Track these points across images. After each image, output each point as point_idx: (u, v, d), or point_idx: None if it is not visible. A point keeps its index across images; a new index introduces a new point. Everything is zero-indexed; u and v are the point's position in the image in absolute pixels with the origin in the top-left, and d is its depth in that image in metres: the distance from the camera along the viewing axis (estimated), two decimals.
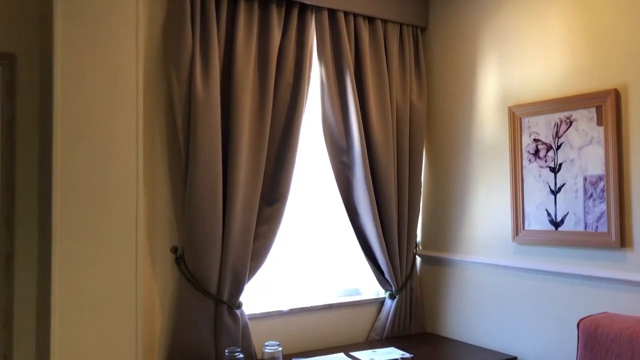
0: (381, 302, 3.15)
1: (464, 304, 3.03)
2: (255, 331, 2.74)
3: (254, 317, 2.75)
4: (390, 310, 3.08)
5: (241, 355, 2.52)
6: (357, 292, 3.19)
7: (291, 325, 2.86)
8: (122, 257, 2.12)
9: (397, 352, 2.78)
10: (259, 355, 2.71)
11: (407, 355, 2.74)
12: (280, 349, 2.62)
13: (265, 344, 2.62)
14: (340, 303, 3.02)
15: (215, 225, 2.51)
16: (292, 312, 2.86)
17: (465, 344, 2.97)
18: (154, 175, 2.52)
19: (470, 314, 3.00)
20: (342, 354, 2.76)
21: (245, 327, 2.66)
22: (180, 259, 2.54)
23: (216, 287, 2.56)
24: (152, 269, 2.51)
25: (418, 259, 3.29)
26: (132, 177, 2.16)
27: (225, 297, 2.57)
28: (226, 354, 2.50)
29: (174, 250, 2.55)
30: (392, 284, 3.07)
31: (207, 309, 2.55)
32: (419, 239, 3.29)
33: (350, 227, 3.02)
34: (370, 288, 3.19)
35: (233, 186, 2.55)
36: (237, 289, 2.61)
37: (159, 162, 2.54)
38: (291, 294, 2.93)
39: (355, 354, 2.77)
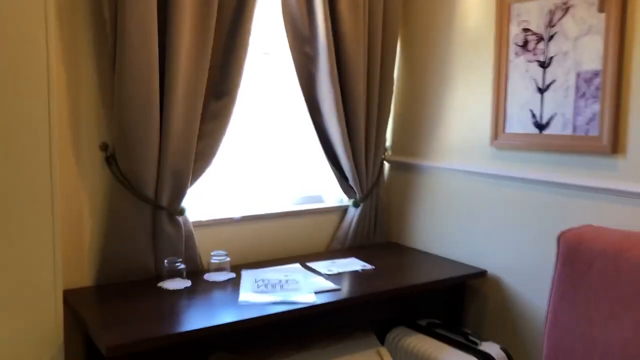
0: (344, 210, 2.89)
1: (434, 213, 2.79)
2: (202, 241, 2.47)
3: (200, 225, 2.47)
4: (353, 219, 2.83)
5: (182, 266, 2.26)
6: (319, 200, 2.91)
7: (243, 235, 2.59)
8: (31, 147, 1.77)
9: (358, 263, 2.55)
10: (205, 267, 2.45)
11: (368, 266, 2.51)
12: (227, 259, 2.36)
13: (212, 253, 2.35)
14: (299, 211, 2.75)
15: (149, 120, 2.15)
16: (245, 220, 2.58)
17: (432, 255, 2.76)
18: (76, 57, 2.12)
19: (439, 225, 2.76)
20: (297, 265, 2.52)
21: (189, 236, 2.38)
22: (111, 158, 2.20)
23: (153, 191, 2.24)
24: (78, 169, 2.17)
25: (386, 165, 3.00)
26: (41, 50, 1.77)
27: (164, 202, 2.26)
28: (165, 264, 2.23)
29: (104, 147, 2.21)
30: (356, 192, 2.80)
31: (143, 215, 2.24)
32: (388, 143, 2.98)
33: (312, 128, 2.68)
34: (332, 196, 2.91)
35: (172, 75, 2.17)
36: (179, 193, 2.30)
37: (82, 43, 2.13)
38: (244, 201, 2.63)
39: (312, 264, 2.53)
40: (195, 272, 2.38)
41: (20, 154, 1.75)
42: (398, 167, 2.98)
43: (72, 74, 2.12)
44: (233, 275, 2.36)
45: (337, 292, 2.19)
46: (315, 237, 2.82)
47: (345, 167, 2.74)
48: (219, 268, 2.35)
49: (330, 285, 2.25)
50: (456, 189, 2.67)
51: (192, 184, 2.35)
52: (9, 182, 1.74)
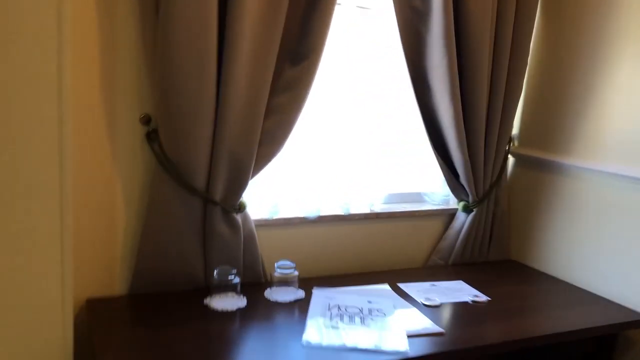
0: (451, 215, 2.25)
1: (573, 229, 2.09)
2: (265, 245, 1.95)
3: (264, 225, 1.94)
4: (463, 228, 2.19)
5: (237, 280, 1.74)
6: (418, 200, 2.29)
7: (317, 240, 2.04)
8: (34, 119, 1.29)
9: (466, 291, 1.92)
10: (268, 278, 1.93)
11: (481, 296, 1.88)
12: (296, 273, 1.82)
13: (276, 264, 1.82)
14: (391, 213, 2.15)
15: (202, 89, 1.64)
16: (321, 221, 2.02)
17: (568, 284, 2.07)
18: (109, 2, 1.64)
19: (580, 245, 2.06)
20: (385, 286, 1.93)
21: (250, 239, 1.86)
22: (153, 134, 1.71)
23: (205, 180, 1.73)
24: (111, 148, 1.70)
25: (510, 160, 2.31)
26: None
27: (218, 195, 1.75)
28: (215, 275, 1.72)
29: (146, 120, 1.72)
30: (469, 192, 2.15)
31: (191, 210, 1.75)
32: (515, 131, 2.29)
33: (416, 106, 2.06)
34: (437, 196, 2.28)
35: (233, 32, 1.63)
36: (237, 184, 1.77)
37: None
38: (320, 198, 2.06)
39: (405, 286, 1.94)
40: (255, 285, 1.87)
41: (20, 129, 1.28)
42: (526, 163, 2.29)
43: (105, 23, 1.63)
44: (301, 294, 1.82)
45: (440, 339, 1.58)
46: (411, 248, 2.22)
47: (457, 159, 2.09)
48: (285, 283, 1.81)
49: (429, 325, 1.65)
50: (612, 201, 1.95)
51: (255, 173, 1.81)
52: (7, 166, 1.28)
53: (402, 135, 2.18)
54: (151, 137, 1.71)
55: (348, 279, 1.99)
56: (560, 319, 1.76)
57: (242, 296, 1.76)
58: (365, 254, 2.13)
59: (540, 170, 2.22)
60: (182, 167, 1.70)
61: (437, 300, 1.82)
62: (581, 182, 2.06)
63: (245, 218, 1.84)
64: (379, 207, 2.16)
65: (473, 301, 1.85)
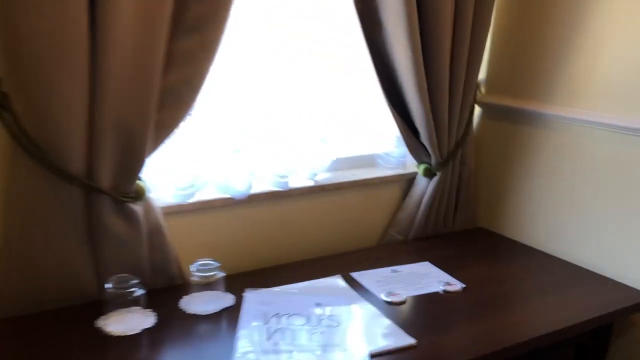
0: (409, 180, 1.87)
1: (554, 190, 1.75)
2: (181, 237, 1.50)
3: (178, 213, 1.50)
4: (424, 195, 1.81)
5: (140, 291, 1.30)
6: (370, 163, 1.89)
7: (248, 225, 1.62)
8: None
9: (435, 275, 1.57)
10: (185, 280, 1.50)
11: (454, 282, 1.52)
12: (220, 274, 1.40)
13: (191, 267, 1.39)
14: (339, 183, 1.74)
15: (68, 24, 1.14)
16: (251, 200, 1.59)
17: (552, 257, 1.74)
18: None
19: (564, 209, 1.73)
20: (337, 278, 1.54)
21: (157, 232, 1.41)
22: (3, 100, 1.21)
23: (83, 161, 1.26)
24: None
25: (477, 111, 1.93)
26: None
27: (104, 181, 1.28)
28: (109, 286, 1.28)
29: None
30: (431, 152, 1.77)
31: (68, 204, 1.28)
32: (482, 75, 1.90)
33: (365, 49, 1.62)
34: (391, 158, 1.88)
35: None
36: (131, 163, 1.31)
37: None
38: (249, 171, 1.61)
39: (361, 276, 1.55)
40: (170, 292, 1.44)
41: None
42: (496, 113, 1.91)
43: None
44: (230, 300, 1.40)
45: (411, 355, 1.21)
46: (364, 223, 1.83)
47: (416, 112, 1.69)
48: (206, 287, 1.39)
49: (396, 334, 1.27)
50: (603, 157, 1.61)
51: (157, 146, 1.35)
52: None
53: (347, 86, 1.74)
54: (2, 105, 1.20)
55: (289, 271, 1.58)
56: (551, 308, 1.43)
57: (149, 311, 1.32)
58: (309, 236, 1.73)
59: (513, 122, 1.85)
60: (49, 145, 1.21)
61: (401, 295, 1.45)
62: (564, 135, 1.71)
63: (148, 207, 1.39)
64: (323, 177, 1.74)
65: (445, 291, 1.49)
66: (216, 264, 1.39)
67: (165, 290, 1.44)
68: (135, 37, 1.21)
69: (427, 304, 1.43)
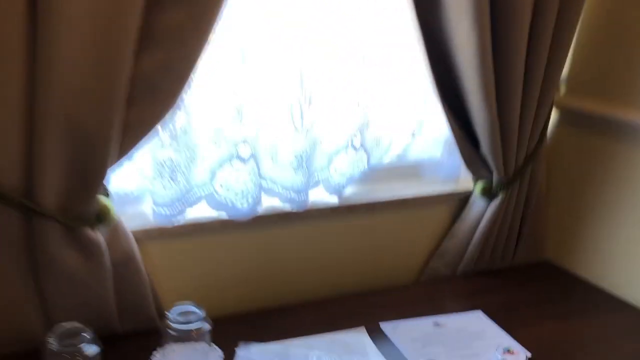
0: (462, 200, 1.49)
1: None
2: (162, 269, 1.17)
3: (160, 237, 1.16)
4: (481, 221, 1.42)
5: (93, 349, 0.97)
6: (410, 174, 1.51)
7: (252, 253, 1.28)
8: None
9: (490, 334, 1.19)
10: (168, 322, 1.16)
11: (519, 352, 1.14)
12: (203, 327, 1.06)
13: (170, 312, 1.05)
14: (371, 203, 1.37)
15: None
16: (257, 223, 1.24)
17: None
18: None
19: None
20: (361, 333, 1.18)
21: (127, 265, 1.08)
22: None
23: (20, 175, 0.93)
24: None
25: (553, 115, 1.52)
26: None
27: (49, 201, 0.95)
28: (50, 342, 0.95)
29: None
30: (493, 168, 1.38)
31: (3, 230, 0.95)
32: (565, 71, 1.47)
33: (416, 33, 1.23)
34: (440, 172, 1.50)
35: None
36: (88, 177, 0.97)
37: None
38: (256, 184, 1.24)
39: (393, 329, 1.19)
40: (140, 339, 1.11)
41: None
42: (576, 120, 1.50)
43: None
44: (216, 359, 1.06)
45: None
46: (401, 252, 1.46)
47: (479, 117, 1.30)
48: (186, 338, 1.05)
49: None
50: None
51: (126, 153, 1.01)
52: None
53: (385, 77, 1.35)
54: None
55: (299, 316, 1.23)
56: None
57: None
58: (329, 270, 1.37)
59: (598, 133, 1.43)
60: None
61: None
62: None
63: (116, 232, 1.06)
64: (351, 193, 1.38)
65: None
66: (199, 313, 1.04)
67: (133, 340, 1.11)
68: (93, 4, 0.86)
69: None
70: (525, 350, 1.14)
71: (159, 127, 1.02)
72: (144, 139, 1.00)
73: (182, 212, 1.17)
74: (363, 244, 1.40)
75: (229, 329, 1.15)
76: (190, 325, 1.03)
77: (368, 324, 1.21)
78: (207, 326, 1.05)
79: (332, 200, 1.33)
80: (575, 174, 1.50)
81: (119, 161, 0.99)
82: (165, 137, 1.11)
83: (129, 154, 1.00)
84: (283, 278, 1.32)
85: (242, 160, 1.19)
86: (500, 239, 1.47)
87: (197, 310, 1.05)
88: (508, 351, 1.13)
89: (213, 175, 1.18)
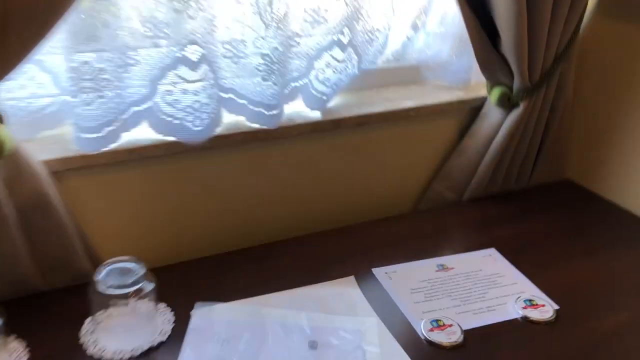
0: (471, 111, 1.22)
1: None
2: (93, 210, 0.91)
3: (84, 169, 0.89)
4: (496, 136, 1.16)
5: None
6: (410, 79, 1.23)
7: (210, 186, 1.02)
8: None
9: (507, 279, 0.97)
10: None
11: (547, 304, 0.92)
12: (145, 286, 0.82)
13: (99, 273, 0.80)
14: (359, 116, 1.09)
15: None
16: (216, 146, 0.97)
17: None
18: None
19: None
20: (349, 284, 0.95)
21: (40, 207, 0.82)
22: None
23: None
24: None
25: (588, 13, 1.21)
26: None
27: None
28: None
29: None
30: (515, 71, 1.09)
31: None
32: None
33: None
34: (444, 71, 1.22)
35: None
36: None
37: None
38: (211, 98, 0.96)
39: (387, 275, 0.97)
40: (72, 296, 0.87)
41: None
42: (615, 9, 1.20)
43: None
44: (165, 325, 0.84)
45: None
46: (398, 175, 1.21)
47: (500, 6, 1.00)
48: (124, 303, 0.82)
49: None
50: None
51: (9, 63, 0.71)
52: None
53: None
54: None
55: (272, 263, 0.99)
56: None
57: (18, 353, 0.77)
58: (309, 200, 1.12)
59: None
60: None
61: (455, 329, 0.86)
62: None
63: (19, 166, 0.78)
64: (337, 105, 1.10)
65: (526, 318, 0.90)
66: (138, 269, 0.80)
67: (61, 299, 0.88)
68: None
69: (497, 346, 0.85)
70: (551, 302, 0.93)
71: (65, 16, 0.71)
72: (44, 34, 0.70)
73: (114, 136, 0.89)
74: (352, 167, 1.14)
75: (182, 283, 0.92)
76: (124, 288, 0.79)
77: (358, 269, 0.98)
78: (149, 285, 0.82)
79: (314, 115, 1.06)
80: (608, 75, 1.22)
81: (10, 68, 0.70)
82: (83, 33, 0.81)
83: (22, 58, 0.71)
84: (251, 215, 1.07)
85: (192, 65, 0.89)
86: (517, 158, 1.22)
87: (134, 265, 0.81)
88: (531, 303, 0.92)
89: (154, 86, 0.89)
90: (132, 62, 0.87)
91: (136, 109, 0.90)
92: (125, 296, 0.79)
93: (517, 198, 1.24)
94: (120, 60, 0.85)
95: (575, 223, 1.16)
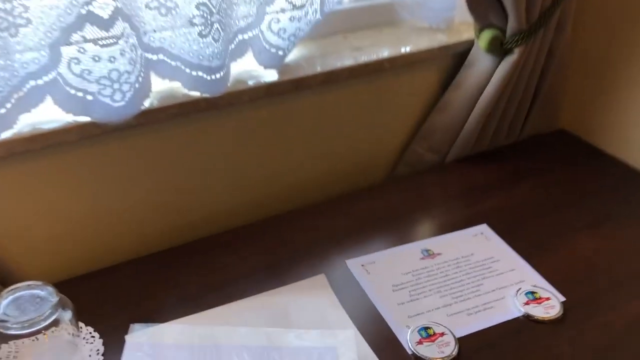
0: (455, 57, 1.03)
1: None
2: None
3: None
4: (486, 89, 0.99)
5: None
6: (383, 21, 1.03)
7: (129, 175, 0.83)
8: None
9: (506, 264, 0.83)
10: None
11: (552, 297, 0.79)
12: (61, 316, 0.65)
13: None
14: (320, 74, 0.90)
15: None
16: (141, 127, 0.78)
17: None
18: None
19: None
20: (321, 284, 0.80)
21: None
22: None
23: None
24: None
25: None
26: None
27: None
28: None
29: None
30: (510, 11, 0.91)
31: None
32: None
33: None
34: (423, 11, 1.02)
35: None
36: None
37: None
38: (134, 59, 0.75)
39: (364, 270, 0.81)
40: None
41: None
42: None
43: None
44: None
45: None
46: (369, 139, 1.03)
47: None
48: (34, 339, 0.65)
49: None
50: None
51: None
52: None
53: None
54: None
55: (224, 259, 0.83)
56: None
57: None
58: (264, 177, 0.94)
59: None
60: None
61: (449, 341, 0.72)
62: None
63: None
64: (295, 61, 0.90)
65: (528, 316, 0.76)
66: (50, 296, 0.63)
67: None
68: None
69: (497, 357, 0.71)
70: (556, 292, 0.79)
71: None
72: None
73: (9, 120, 0.69)
74: (317, 134, 0.96)
75: (111, 295, 0.75)
76: (32, 326, 0.62)
77: (329, 262, 0.82)
78: (65, 314, 0.64)
79: (268, 74, 0.86)
80: (609, 12, 1.04)
81: None
82: None
83: None
84: (192, 203, 0.89)
85: (103, 22, 0.68)
86: (510, 110, 1.05)
87: (43, 292, 0.64)
88: (533, 297, 0.78)
89: (55, 53, 0.68)
90: (21, 21, 0.65)
91: (35, 82, 0.69)
92: (36, 332, 0.63)
93: (507, 156, 1.09)
94: (4, 21, 0.64)
95: (577, 184, 1.01)
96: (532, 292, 0.79)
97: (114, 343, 0.69)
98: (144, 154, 0.81)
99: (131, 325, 0.71)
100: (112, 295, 0.75)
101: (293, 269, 0.81)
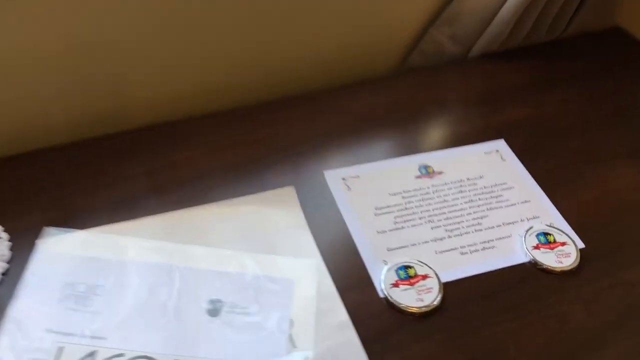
0: None
1: None
2: None
3: None
4: None
5: None
6: None
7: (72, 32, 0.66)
8: None
9: (518, 193, 0.67)
10: None
11: (569, 241, 0.64)
12: None
13: None
14: None
15: None
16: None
17: None
18: None
19: None
20: (288, 197, 0.65)
21: None
22: None
23: None
24: None
25: None
26: None
27: None
28: None
29: None
30: None
31: None
32: None
33: None
34: None
35: None
36: None
37: None
38: None
39: (342, 187, 0.67)
40: None
41: None
42: None
43: None
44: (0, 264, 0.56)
45: None
46: (377, 23, 0.83)
47: None
48: None
49: None
50: None
51: None
52: None
53: None
54: None
55: (171, 155, 0.68)
56: None
57: None
58: (249, 49, 0.77)
59: None
60: None
61: (431, 286, 0.59)
62: None
63: None
64: None
65: (536, 264, 0.62)
66: None
67: None
68: None
69: (487, 313, 0.58)
70: (576, 237, 0.64)
71: None
72: None
73: None
74: (312, 9, 0.76)
75: (26, 189, 0.62)
76: None
77: (302, 170, 0.68)
78: None
79: None
80: None
81: None
82: None
83: None
84: (148, 77, 0.73)
85: None
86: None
87: None
88: (546, 240, 0.63)
89: None
90: None
91: None
92: None
93: (545, 55, 0.88)
94: None
95: (627, 98, 0.82)
96: (546, 234, 0.64)
97: (23, 248, 0.57)
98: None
99: (45, 229, 0.58)
100: (30, 188, 0.62)
101: (256, 176, 0.66)
